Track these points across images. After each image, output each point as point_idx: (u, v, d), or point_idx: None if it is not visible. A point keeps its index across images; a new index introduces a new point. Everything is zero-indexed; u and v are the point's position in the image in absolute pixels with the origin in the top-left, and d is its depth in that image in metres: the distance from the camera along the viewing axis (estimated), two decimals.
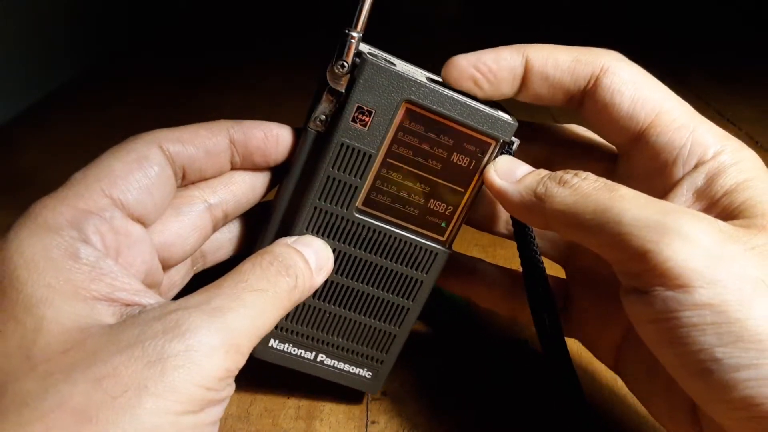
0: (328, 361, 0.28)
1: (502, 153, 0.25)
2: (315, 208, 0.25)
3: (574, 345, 0.29)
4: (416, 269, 0.26)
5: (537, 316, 0.27)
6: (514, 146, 0.25)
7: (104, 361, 0.17)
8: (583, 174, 0.22)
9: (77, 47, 0.82)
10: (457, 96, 0.24)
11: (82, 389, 0.17)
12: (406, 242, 0.26)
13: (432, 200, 0.26)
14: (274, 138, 0.26)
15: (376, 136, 0.24)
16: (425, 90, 0.24)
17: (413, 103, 0.24)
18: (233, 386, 0.20)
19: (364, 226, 0.25)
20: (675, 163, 0.23)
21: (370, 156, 0.24)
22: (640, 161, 0.24)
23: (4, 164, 0.57)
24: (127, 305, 0.20)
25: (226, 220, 0.27)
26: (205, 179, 0.26)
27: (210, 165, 0.25)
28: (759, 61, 0.87)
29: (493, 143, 0.25)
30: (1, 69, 0.66)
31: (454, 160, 0.25)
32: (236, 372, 0.20)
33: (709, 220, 0.20)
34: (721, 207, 0.22)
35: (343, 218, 0.25)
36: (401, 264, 0.26)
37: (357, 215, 0.25)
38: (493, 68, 0.24)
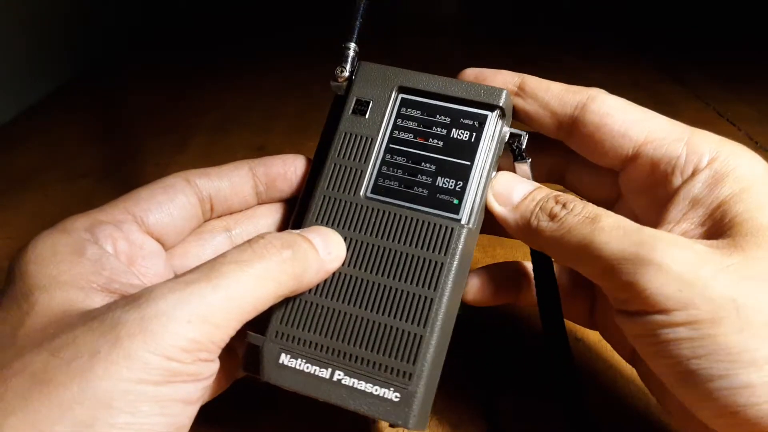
0: (347, 380, 0.24)
1: (515, 152, 0.26)
2: (324, 196, 0.26)
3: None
4: (433, 250, 0.25)
5: (544, 313, 0.27)
6: (524, 139, 0.26)
7: (67, 333, 0.18)
8: (570, 205, 0.23)
9: (77, 47, 0.82)
10: (444, 77, 0.26)
11: (43, 357, 0.18)
12: (418, 221, 0.25)
13: (440, 178, 0.26)
14: (292, 163, 0.28)
15: (375, 121, 0.27)
16: (414, 75, 0.27)
17: (405, 88, 0.27)
18: (213, 366, 0.20)
19: (374, 211, 0.25)
20: (673, 173, 0.23)
21: (371, 140, 0.26)
22: (639, 176, 0.25)
23: (4, 164, 0.57)
24: (122, 296, 0.20)
25: None
26: (232, 212, 0.28)
27: (235, 195, 0.27)
28: (759, 61, 0.87)
29: (489, 114, 0.26)
30: (1, 69, 0.66)
31: (455, 136, 0.26)
32: (211, 346, 0.19)
33: (684, 244, 0.21)
34: (714, 220, 0.22)
35: (351, 204, 0.26)
36: (417, 246, 0.25)
37: (366, 200, 0.26)
38: (490, 80, 0.27)
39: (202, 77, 0.81)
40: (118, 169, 0.56)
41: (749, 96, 0.72)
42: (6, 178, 0.54)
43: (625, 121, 0.24)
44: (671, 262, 0.20)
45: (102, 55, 0.87)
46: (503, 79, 0.27)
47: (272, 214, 0.28)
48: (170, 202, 0.25)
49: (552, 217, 0.23)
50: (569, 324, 0.29)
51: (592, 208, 0.23)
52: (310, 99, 0.70)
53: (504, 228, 0.30)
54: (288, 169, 0.28)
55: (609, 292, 0.22)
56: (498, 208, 0.25)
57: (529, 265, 0.30)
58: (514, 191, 0.25)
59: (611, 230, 0.22)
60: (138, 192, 0.25)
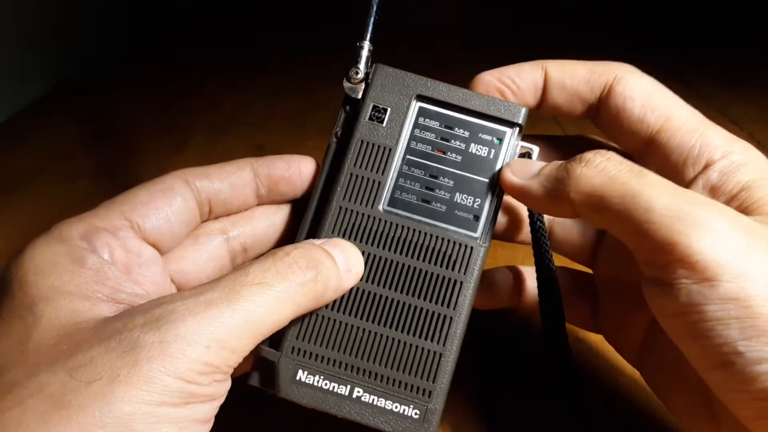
0: (366, 397, 0.24)
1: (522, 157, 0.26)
2: (340, 207, 0.25)
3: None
4: (452, 268, 0.25)
5: (545, 312, 0.27)
6: (534, 154, 0.26)
7: (84, 351, 0.18)
8: (607, 153, 0.22)
9: (76, 47, 0.82)
10: (463, 89, 0.26)
11: (60, 378, 0.17)
12: (436, 238, 0.25)
13: (458, 194, 0.25)
14: (297, 166, 0.27)
15: (393, 130, 0.26)
16: (433, 84, 0.26)
17: (424, 97, 0.26)
18: (227, 384, 0.20)
19: (391, 225, 0.25)
20: (685, 164, 0.23)
21: (389, 150, 0.25)
22: (652, 165, 0.24)
23: (3, 164, 0.57)
24: (130, 306, 0.20)
25: (246, 255, 0.27)
26: (230, 214, 0.27)
27: (235, 197, 0.26)
28: (759, 60, 0.86)
29: (508, 130, 0.26)
30: (1, 69, 0.65)
31: (473, 151, 0.26)
32: (226, 369, 0.19)
33: (736, 214, 0.20)
34: (739, 202, 0.22)
35: (369, 217, 0.25)
36: (434, 264, 0.25)
37: (383, 214, 0.25)
38: (516, 80, 0.26)
39: (201, 77, 0.81)
40: (117, 169, 0.55)
41: (750, 96, 0.71)
42: (5, 178, 0.54)
43: (644, 106, 0.24)
44: (728, 228, 0.19)
45: (101, 55, 0.86)
46: (528, 76, 0.26)
47: (270, 216, 0.28)
48: (168, 207, 0.24)
49: (586, 162, 0.22)
50: (570, 325, 0.29)
51: (633, 163, 0.21)
52: (310, 99, 0.69)
53: (507, 233, 0.30)
54: (292, 173, 0.27)
55: (646, 254, 0.20)
56: (517, 180, 0.24)
57: (528, 269, 0.30)
58: (533, 166, 0.24)
59: (662, 186, 0.20)
60: (135, 194, 0.24)
